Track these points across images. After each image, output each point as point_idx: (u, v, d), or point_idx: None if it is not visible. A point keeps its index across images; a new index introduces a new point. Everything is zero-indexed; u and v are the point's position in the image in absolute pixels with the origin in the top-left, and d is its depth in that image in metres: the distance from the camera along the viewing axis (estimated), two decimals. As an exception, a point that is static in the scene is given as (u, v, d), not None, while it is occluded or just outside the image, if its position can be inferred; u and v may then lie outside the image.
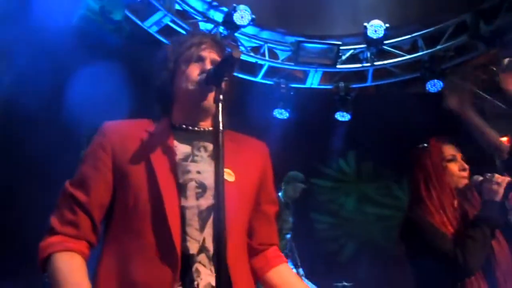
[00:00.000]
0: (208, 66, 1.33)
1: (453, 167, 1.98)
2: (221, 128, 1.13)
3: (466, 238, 1.79)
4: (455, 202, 1.96)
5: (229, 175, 1.26)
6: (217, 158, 1.10)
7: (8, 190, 3.90)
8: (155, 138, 1.30)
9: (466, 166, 1.99)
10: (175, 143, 1.31)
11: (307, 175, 4.94)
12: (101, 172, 1.25)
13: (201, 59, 1.37)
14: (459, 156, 2.01)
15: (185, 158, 1.29)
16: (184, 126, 1.35)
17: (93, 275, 1.20)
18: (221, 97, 1.16)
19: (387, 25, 5.00)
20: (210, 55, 1.37)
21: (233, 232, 1.20)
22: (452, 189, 1.94)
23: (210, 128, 1.33)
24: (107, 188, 1.25)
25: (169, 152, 1.27)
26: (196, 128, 1.36)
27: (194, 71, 1.34)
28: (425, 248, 1.87)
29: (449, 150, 2.01)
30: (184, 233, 1.19)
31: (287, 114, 5.55)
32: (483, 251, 1.78)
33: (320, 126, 5.98)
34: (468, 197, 1.99)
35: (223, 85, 1.18)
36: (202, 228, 1.21)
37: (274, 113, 5.56)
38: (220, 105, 1.15)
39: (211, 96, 1.26)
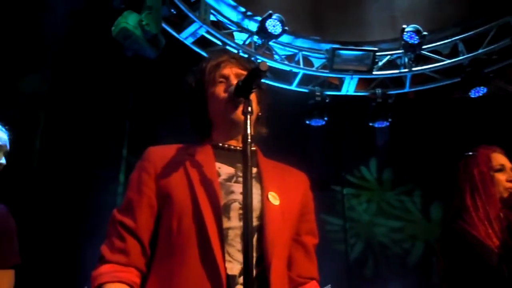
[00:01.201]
0: (233, 81, 1.34)
1: (501, 177, 1.89)
2: (249, 139, 1.13)
3: None
4: (501, 214, 1.87)
5: (274, 199, 1.27)
6: (245, 168, 1.10)
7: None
8: (197, 160, 1.31)
9: None
10: (218, 164, 1.32)
11: (330, 182, 4.82)
12: (146, 196, 1.27)
13: (225, 77, 1.39)
14: (508, 166, 1.92)
15: (229, 179, 1.30)
16: (226, 145, 1.37)
17: None
18: (249, 109, 1.17)
19: (425, 30, 4.87)
20: (233, 71, 1.40)
21: (276, 255, 1.19)
22: (498, 200, 1.85)
23: (253, 149, 1.35)
24: (152, 212, 1.27)
25: (211, 174, 1.27)
26: (238, 148, 1.37)
27: (220, 90, 1.37)
28: (469, 261, 1.79)
29: (498, 159, 1.93)
30: (226, 254, 1.18)
31: (322, 122, 5.49)
32: (530, 265, 1.68)
33: (350, 133, 5.91)
34: None
35: (251, 97, 1.19)
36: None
37: (308, 121, 5.51)
38: (248, 116, 1.16)
39: (241, 108, 1.26)
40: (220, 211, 1.20)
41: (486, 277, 1.73)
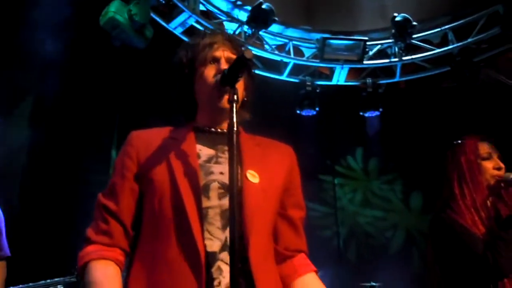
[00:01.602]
0: (224, 65, 1.35)
1: (488, 165, 1.91)
2: (235, 128, 1.14)
3: (497, 240, 1.72)
4: (489, 201, 1.89)
5: (253, 177, 1.29)
6: (231, 158, 1.11)
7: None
8: (178, 142, 1.34)
9: (502, 165, 1.92)
10: (199, 146, 1.34)
11: (317, 171, 4.84)
12: (128, 180, 1.31)
13: (215, 60, 1.39)
14: (495, 154, 1.94)
15: (209, 160, 1.32)
16: (207, 128, 1.39)
17: (124, 280, 1.25)
18: (235, 97, 1.17)
19: (415, 19, 4.88)
20: (224, 54, 1.39)
21: (255, 231, 1.22)
22: (485, 188, 1.87)
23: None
24: (134, 195, 1.31)
25: (191, 155, 1.30)
26: (219, 130, 1.39)
27: (210, 73, 1.37)
28: (456, 249, 1.82)
29: (485, 148, 1.94)
30: (206, 232, 1.20)
31: (313, 112, 5.49)
32: (515, 252, 1.71)
33: (340, 123, 5.93)
34: (501, 195, 1.92)
35: (237, 85, 1.19)
36: (224, 227, 1.22)
37: (300, 111, 5.52)
38: (234, 105, 1.16)
39: (226, 97, 1.26)
40: (199, 191, 1.23)
41: (472, 265, 1.75)
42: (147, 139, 1.36)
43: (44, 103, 4.10)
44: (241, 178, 1.27)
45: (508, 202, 1.89)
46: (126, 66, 4.41)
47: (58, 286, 2.47)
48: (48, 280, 2.45)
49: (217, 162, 1.32)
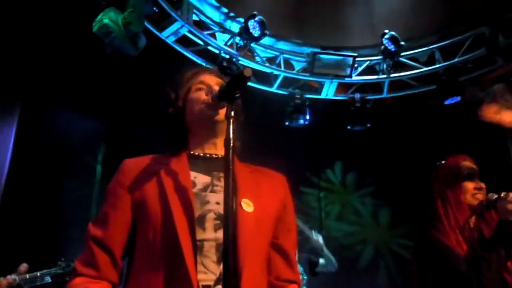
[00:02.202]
0: (215, 87, 1.33)
1: (469, 185, 1.96)
2: (231, 143, 1.13)
3: (481, 260, 1.76)
4: (471, 221, 1.93)
5: (247, 206, 1.26)
6: (227, 172, 1.10)
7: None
8: (172, 170, 1.30)
9: (483, 186, 1.96)
10: (194, 173, 1.31)
11: (299, 184, 4.86)
12: (120, 210, 1.28)
13: (205, 84, 1.40)
14: (476, 174, 1.99)
15: (205, 189, 1.29)
16: (202, 154, 1.37)
17: None
18: (232, 113, 1.16)
19: (404, 37, 4.99)
20: (213, 80, 1.42)
21: (248, 263, 1.18)
22: (467, 208, 1.92)
23: None
24: (126, 226, 1.28)
25: (186, 184, 1.27)
26: (214, 155, 1.37)
27: (201, 95, 1.37)
28: (440, 268, 1.85)
29: (466, 168, 1.99)
30: (200, 265, 1.18)
31: (300, 124, 5.55)
32: (498, 272, 1.75)
33: (326, 136, 5.99)
34: (484, 216, 1.96)
35: (234, 102, 1.18)
36: (219, 260, 1.18)
37: (289, 123, 5.56)
38: (231, 121, 1.15)
39: (222, 112, 1.26)
40: (194, 222, 1.21)
41: (456, 285, 1.78)
42: (139, 166, 1.33)
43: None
44: (236, 207, 1.22)
45: (490, 223, 1.93)
46: (114, 75, 4.39)
47: (45, 277, 2.45)
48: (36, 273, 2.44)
49: (213, 191, 1.29)
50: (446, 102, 5.25)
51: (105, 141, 4.61)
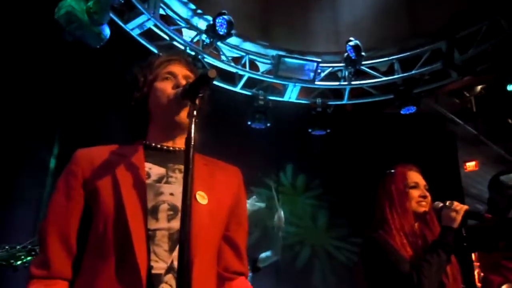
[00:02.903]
0: (182, 81, 1.34)
1: (415, 193, 2.09)
2: (192, 142, 1.14)
3: (423, 261, 1.88)
4: (416, 226, 2.05)
5: (202, 198, 1.27)
6: (186, 171, 1.11)
7: None
8: (126, 160, 1.30)
9: (427, 194, 2.11)
10: (149, 165, 1.31)
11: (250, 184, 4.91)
12: (74, 200, 1.27)
13: (173, 75, 1.39)
14: (422, 184, 2.12)
15: (159, 180, 1.29)
16: (159, 146, 1.36)
17: None
18: (194, 112, 1.17)
19: (365, 46, 5.15)
20: (182, 71, 1.40)
21: (199, 254, 1.20)
22: (412, 214, 2.04)
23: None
24: (78, 214, 1.27)
25: (140, 175, 1.27)
26: (171, 148, 1.37)
27: (168, 86, 1.36)
28: (383, 268, 1.95)
29: (413, 178, 2.13)
30: (152, 254, 1.18)
31: (263, 125, 5.60)
32: (438, 274, 1.87)
33: (287, 138, 6.09)
34: (428, 223, 2.09)
35: (197, 101, 1.19)
36: (171, 250, 1.20)
37: (250, 123, 5.61)
38: (193, 120, 1.16)
39: (185, 111, 1.27)
40: (146, 213, 1.21)
41: (398, 284, 1.89)
42: (93, 157, 1.31)
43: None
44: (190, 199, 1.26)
45: (433, 229, 2.07)
46: (72, 66, 4.24)
47: None
48: None
49: (167, 182, 1.29)
50: (402, 112, 5.47)
51: (59, 135, 4.43)
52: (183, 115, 1.29)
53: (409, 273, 1.85)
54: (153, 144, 1.37)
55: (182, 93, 1.27)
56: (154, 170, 1.30)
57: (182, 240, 1.06)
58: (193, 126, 1.15)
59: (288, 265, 5.83)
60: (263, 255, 3.97)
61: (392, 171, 2.18)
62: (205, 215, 1.25)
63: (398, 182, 2.11)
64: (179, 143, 1.37)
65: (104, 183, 1.25)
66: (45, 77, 4.16)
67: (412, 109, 5.42)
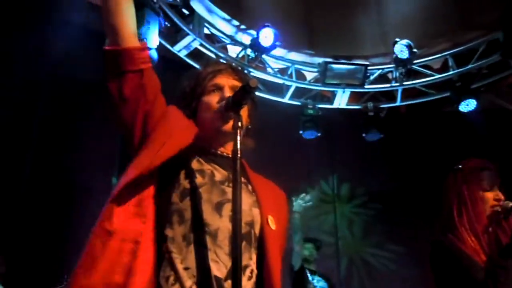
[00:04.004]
0: (227, 93, 1.36)
1: (489, 195, 1.91)
2: (239, 155, 1.14)
3: (498, 268, 1.72)
4: (489, 230, 1.90)
5: (272, 223, 1.31)
6: (234, 185, 1.12)
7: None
8: (197, 155, 1.34)
9: (502, 197, 1.92)
10: (213, 165, 1.34)
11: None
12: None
13: (219, 88, 1.40)
14: (496, 183, 1.94)
15: (222, 182, 1.31)
16: (213, 151, 1.39)
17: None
18: (239, 124, 1.18)
19: (416, 45, 4.96)
20: (228, 82, 1.41)
21: (276, 280, 1.24)
22: (486, 217, 1.88)
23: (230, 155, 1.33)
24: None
25: (208, 172, 1.31)
26: (225, 154, 1.39)
27: (213, 100, 1.37)
28: (456, 274, 1.81)
29: (486, 177, 1.94)
30: (213, 253, 1.19)
31: (314, 134, 5.52)
32: (515, 280, 1.71)
33: (340, 146, 5.96)
34: (501, 224, 1.92)
35: (241, 112, 1.21)
36: (230, 255, 1.19)
37: (302, 132, 5.54)
38: (238, 132, 1.17)
39: (230, 123, 1.27)
40: (213, 207, 1.23)
41: None
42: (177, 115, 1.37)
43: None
44: (262, 222, 1.30)
45: (508, 231, 1.89)
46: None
47: None
48: None
49: (229, 186, 1.29)
50: (461, 109, 5.18)
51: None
52: (228, 127, 1.30)
53: (484, 281, 1.71)
54: (211, 150, 1.40)
55: (226, 106, 1.28)
56: (218, 172, 1.33)
57: (234, 263, 1.07)
58: (238, 138, 1.16)
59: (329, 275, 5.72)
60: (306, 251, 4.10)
61: (461, 166, 1.99)
62: (276, 241, 1.30)
63: (470, 182, 1.91)
64: (229, 149, 1.37)
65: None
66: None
67: (473, 106, 5.12)
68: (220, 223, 1.22)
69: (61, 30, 4.09)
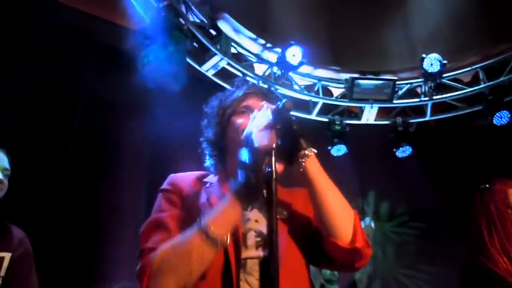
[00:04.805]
0: None
1: None
2: (274, 176, 1.15)
3: None
4: None
5: (280, 214, 1.32)
6: (270, 206, 1.13)
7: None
8: (215, 188, 1.37)
9: None
10: None
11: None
12: (177, 207, 1.33)
13: (250, 110, 1.41)
14: None
15: (245, 208, 1.30)
16: None
17: None
18: (273, 145, 1.18)
19: (445, 58, 4.90)
20: (259, 105, 1.40)
21: (286, 277, 1.19)
22: None
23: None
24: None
25: None
26: None
27: (245, 122, 1.37)
28: None
29: None
30: (244, 282, 1.21)
31: (343, 151, 5.47)
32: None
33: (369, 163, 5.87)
34: None
35: (276, 134, 1.20)
36: (261, 277, 1.22)
37: (330, 148, 5.50)
38: (273, 153, 1.17)
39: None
40: (239, 240, 1.24)
41: None
42: (186, 181, 1.40)
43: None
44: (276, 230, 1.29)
45: None
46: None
47: None
48: None
49: (252, 210, 1.33)
50: (496, 122, 5.05)
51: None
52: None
53: None
54: (234, 175, 1.39)
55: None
56: None
57: (272, 275, 1.08)
58: (273, 159, 1.16)
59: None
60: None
61: (488, 186, 1.96)
62: (285, 236, 1.29)
63: (498, 201, 1.89)
64: None
65: (197, 207, 1.30)
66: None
67: (506, 118, 4.99)
68: (247, 253, 1.24)
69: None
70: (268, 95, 1.47)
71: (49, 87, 3.83)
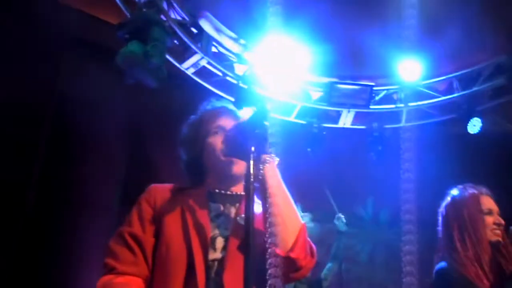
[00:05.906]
0: None
1: (489, 220, 1.93)
2: (252, 179, 1.18)
3: None
4: (491, 255, 1.89)
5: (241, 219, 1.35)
6: (248, 199, 1.16)
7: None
8: (192, 198, 1.43)
9: (502, 222, 1.93)
10: (210, 203, 1.44)
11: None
12: (146, 221, 1.39)
13: (221, 129, 1.48)
14: (496, 210, 1.96)
15: (217, 216, 1.41)
16: (217, 190, 1.47)
17: None
18: (252, 149, 1.22)
19: (421, 65, 5.00)
20: (230, 124, 1.48)
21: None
22: (487, 243, 1.87)
23: (242, 193, 1.46)
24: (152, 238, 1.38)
25: (203, 210, 1.40)
26: (228, 192, 1.48)
27: (218, 142, 1.46)
28: None
29: (486, 202, 1.96)
30: (212, 282, 1.27)
31: (320, 154, 5.52)
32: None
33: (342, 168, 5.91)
34: (502, 251, 1.92)
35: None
36: None
37: (308, 153, 5.55)
38: (252, 156, 1.22)
39: (238, 163, 1.39)
40: (208, 244, 1.31)
41: None
42: (165, 191, 1.46)
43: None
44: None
45: (507, 257, 1.89)
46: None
47: None
48: None
49: (223, 218, 1.41)
50: (469, 131, 5.18)
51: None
52: (237, 168, 1.41)
53: None
54: (215, 190, 1.48)
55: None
56: (213, 207, 1.43)
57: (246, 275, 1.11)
58: (251, 163, 1.18)
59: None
60: (325, 270, 3.92)
61: (462, 193, 2.02)
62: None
63: (471, 207, 1.94)
64: (235, 189, 1.50)
65: (172, 214, 1.37)
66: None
67: (479, 127, 5.13)
68: (215, 256, 1.32)
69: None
70: (237, 114, 1.53)
71: (21, 83, 3.73)
